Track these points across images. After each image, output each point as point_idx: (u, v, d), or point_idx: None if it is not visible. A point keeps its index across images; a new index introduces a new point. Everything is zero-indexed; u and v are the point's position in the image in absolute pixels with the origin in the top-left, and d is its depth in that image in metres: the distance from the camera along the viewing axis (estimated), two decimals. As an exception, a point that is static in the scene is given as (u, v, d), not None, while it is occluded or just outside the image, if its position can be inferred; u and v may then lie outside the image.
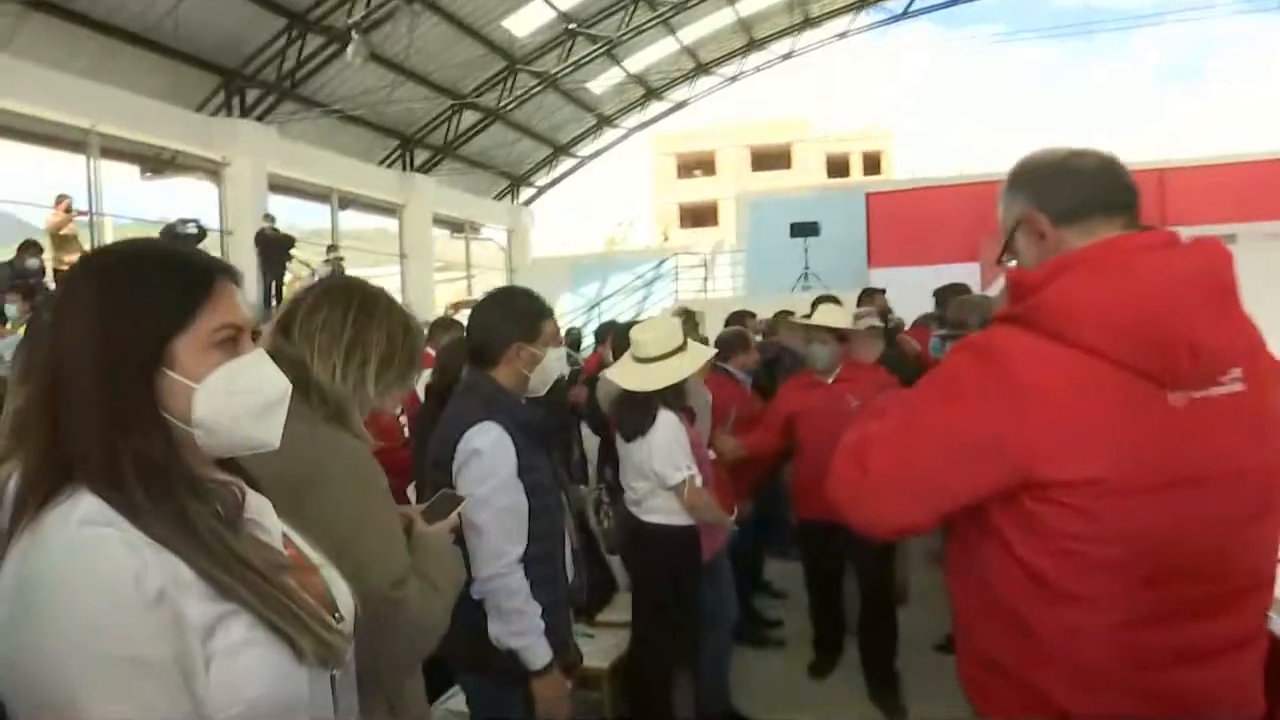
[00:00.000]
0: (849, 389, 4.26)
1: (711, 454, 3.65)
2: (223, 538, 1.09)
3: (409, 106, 18.38)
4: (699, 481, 3.54)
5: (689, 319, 5.56)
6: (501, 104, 20.28)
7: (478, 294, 23.14)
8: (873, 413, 1.63)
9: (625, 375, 3.57)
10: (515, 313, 2.53)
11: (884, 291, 7.81)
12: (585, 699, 3.69)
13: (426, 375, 4.83)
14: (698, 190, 40.09)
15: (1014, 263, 1.66)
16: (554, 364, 2.59)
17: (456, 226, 23.80)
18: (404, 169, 20.48)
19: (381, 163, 20.18)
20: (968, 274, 10.87)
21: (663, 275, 21.15)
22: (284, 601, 1.11)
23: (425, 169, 21.04)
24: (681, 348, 3.53)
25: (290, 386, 1.22)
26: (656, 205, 40.86)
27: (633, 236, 40.73)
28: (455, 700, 3.06)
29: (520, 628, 2.36)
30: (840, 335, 4.41)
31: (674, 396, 3.54)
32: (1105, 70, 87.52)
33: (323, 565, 1.27)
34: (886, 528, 1.58)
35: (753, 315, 6.57)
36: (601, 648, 3.83)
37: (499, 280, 25.46)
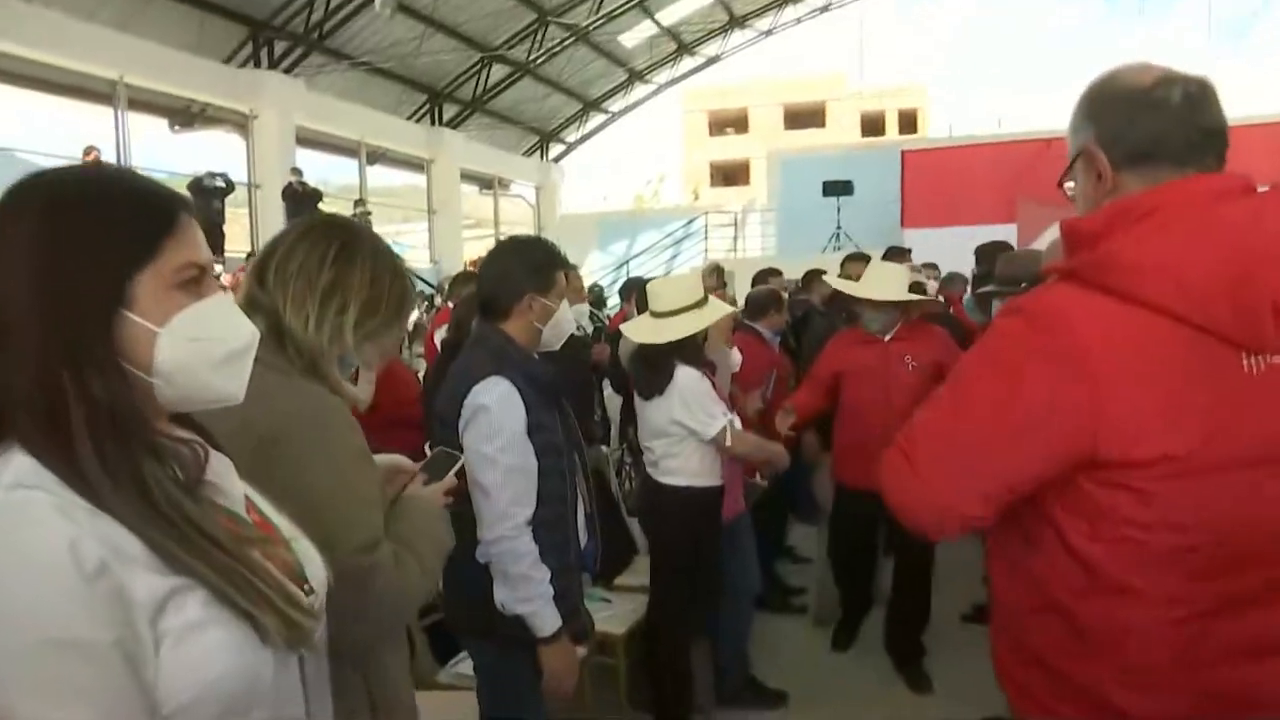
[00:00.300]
0: (907, 348, 4.07)
1: (736, 420, 3.52)
2: (181, 505, 0.96)
3: (438, 59, 18.13)
4: (738, 425, 3.43)
5: (719, 275, 5.36)
6: (531, 57, 19.95)
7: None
8: (929, 397, 1.48)
9: (639, 330, 3.45)
10: (528, 262, 2.39)
11: (909, 252, 7.52)
12: (601, 664, 3.60)
13: (444, 331, 4.75)
14: (729, 148, 39.54)
15: (1070, 185, 1.49)
16: (569, 318, 2.46)
17: (485, 183, 23.60)
18: (432, 123, 20.26)
19: (410, 117, 19.98)
20: (1005, 235, 10.58)
21: (692, 234, 20.91)
22: (246, 576, 0.98)
23: (454, 124, 20.82)
24: (700, 303, 3.38)
25: (257, 334, 1.09)
26: (687, 163, 40.38)
27: (663, 194, 40.41)
28: (464, 665, 2.97)
29: (527, 593, 2.25)
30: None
31: (691, 352, 3.39)
32: (1149, 31, 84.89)
33: (293, 537, 1.14)
34: (933, 519, 1.39)
35: (779, 274, 6.34)
36: (619, 613, 3.72)
37: (527, 237, 25.31)
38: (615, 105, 25.14)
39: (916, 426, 1.41)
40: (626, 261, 20.81)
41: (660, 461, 3.49)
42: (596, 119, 25.38)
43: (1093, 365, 1.26)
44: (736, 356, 4.25)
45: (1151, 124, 1.35)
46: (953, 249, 8.10)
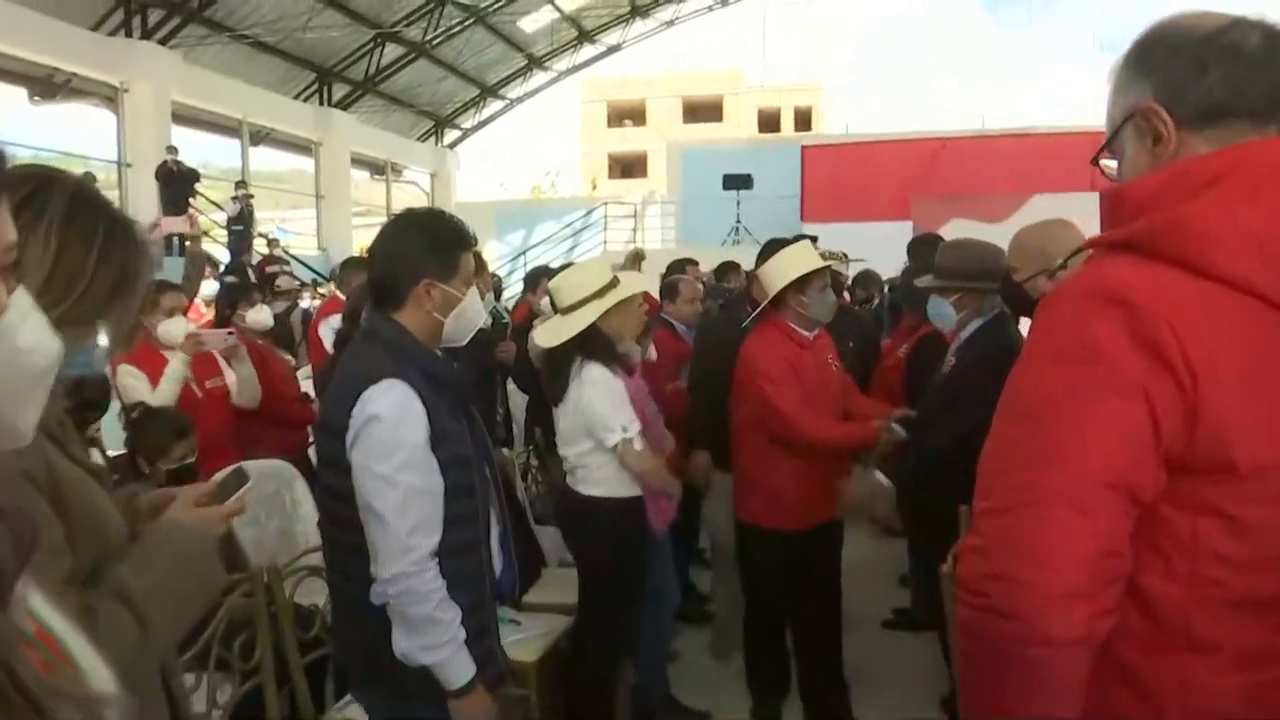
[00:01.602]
0: (826, 346, 3.66)
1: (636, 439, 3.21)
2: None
3: (328, 36, 17.28)
4: (637, 445, 3.07)
5: (637, 262, 4.95)
6: (427, 38, 19.27)
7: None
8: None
9: (545, 334, 3.16)
10: (427, 241, 2.01)
11: (816, 239, 7.21)
12: (510, 696, 3.22)
13: (336, 321, 4.28)
14: (628, 140, 39.30)
15: (1112, 165, 1.23)
16: (477, 308, 2.09)
17: (377, 168, 22.77)
18: (321, 104, 19.38)
19: (297, 96, 19.06)
20: (900, 232, 10.64)
21: (592, 224, 20.58)
22: None
23: (344, 105, 19.96)
24: (605, 289, 3.05)
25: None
26: (586, 154, 39.98)
27: (560, 185, 39.91)
28: (354, 709, 2.56)
29: (434, 640, 1.88)
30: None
31: (598, 347, 3.05)
32: (1040, 38, 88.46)
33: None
34: (1059, 612, 1.02)
35: (695, 263, 6.01)
36: (529, 637, 3.30)
37: (421, 225, 24.57)
38: (514, 92, 24.61)
39: (992, 491, 1.10)
40: (524, 252, 20.36)
41: (575, 470, 3.16)
42: (494, 105, 24.80)
43: (1181, 349, 1.01)
44: (651, 354, 3.93)
45: (1227, 73, 1.09)
46: (850, 244, 8.05)
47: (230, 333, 4.00)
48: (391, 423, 1.84)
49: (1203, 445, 1.01)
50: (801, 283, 3.40)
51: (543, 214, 22.06)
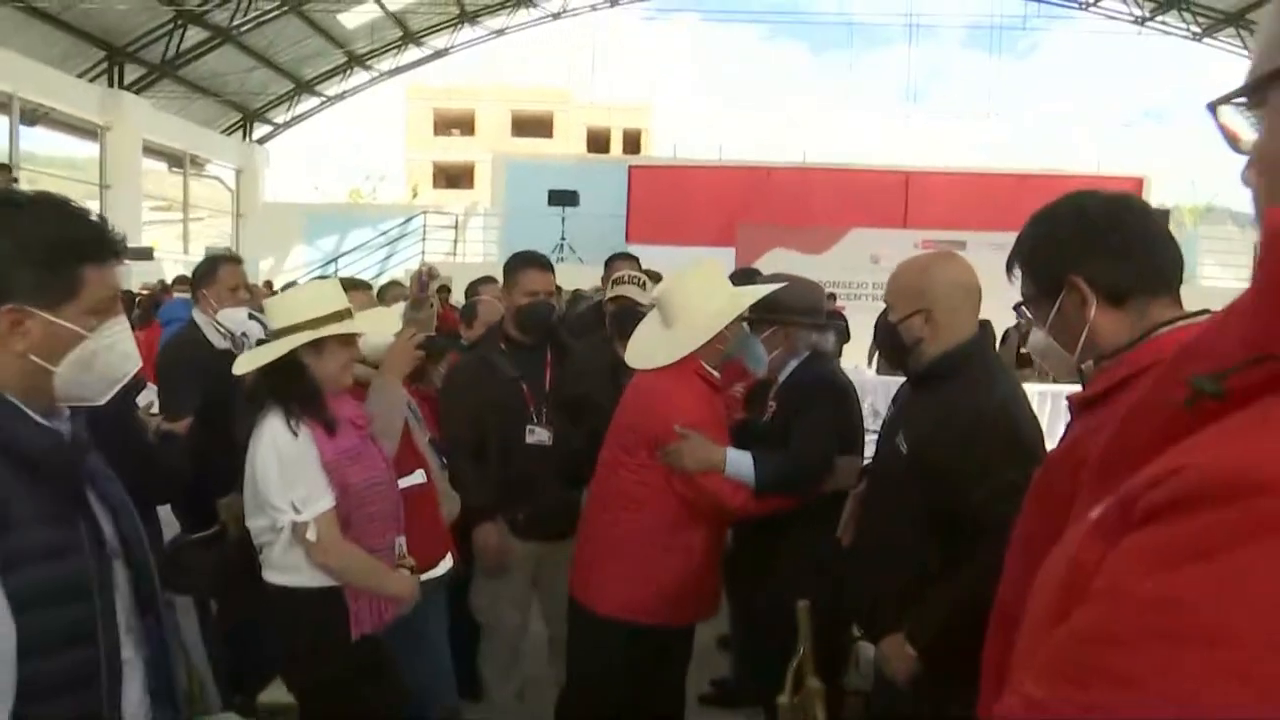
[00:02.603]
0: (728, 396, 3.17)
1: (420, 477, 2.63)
2: None
3: (119, 11, 15.73)
4: (312, 531, 2.29)
5: (419, 282, 4.05)
6: (235, 23, 17.87)
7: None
8: None
9: (243, 359, 2.52)
10: (14, 246, 1.34)
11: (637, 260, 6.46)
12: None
13: None
14: (455, 150, 38.29)
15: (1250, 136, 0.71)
16: (121, 351, 1.46)
17: (175, 159, 20.97)
18: (110, 85, 17.61)
19: (82, 75, 17.25)
20: (724, 256, 10.60)
21: (410, 233, 19.67)
22: None
23: (137, 88, 18.23)
24: (317, 321, 2.37)
25: None
26: (409, 161, 38.64)
27: (381, 192, 38.42)
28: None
29: None
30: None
31: (287, 390, 2.37)
32: (858, 79, 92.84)
33: None
34: None
35: (494, 281, 5.28)
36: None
37: (223, 224, 22.90)
38: (331, 89, 23.34)
39: None
40: (336, 259, 19.23)
41: (262, 549, 2.44)
42: (310, 102, 23.43)
43: None
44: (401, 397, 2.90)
45: None
46: (673, 268, 7.80)
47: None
48: None
49: None
50: None
51: (359, 220, 20.96)
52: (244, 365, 2.44)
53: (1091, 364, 1.49)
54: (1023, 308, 1.58)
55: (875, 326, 2.64)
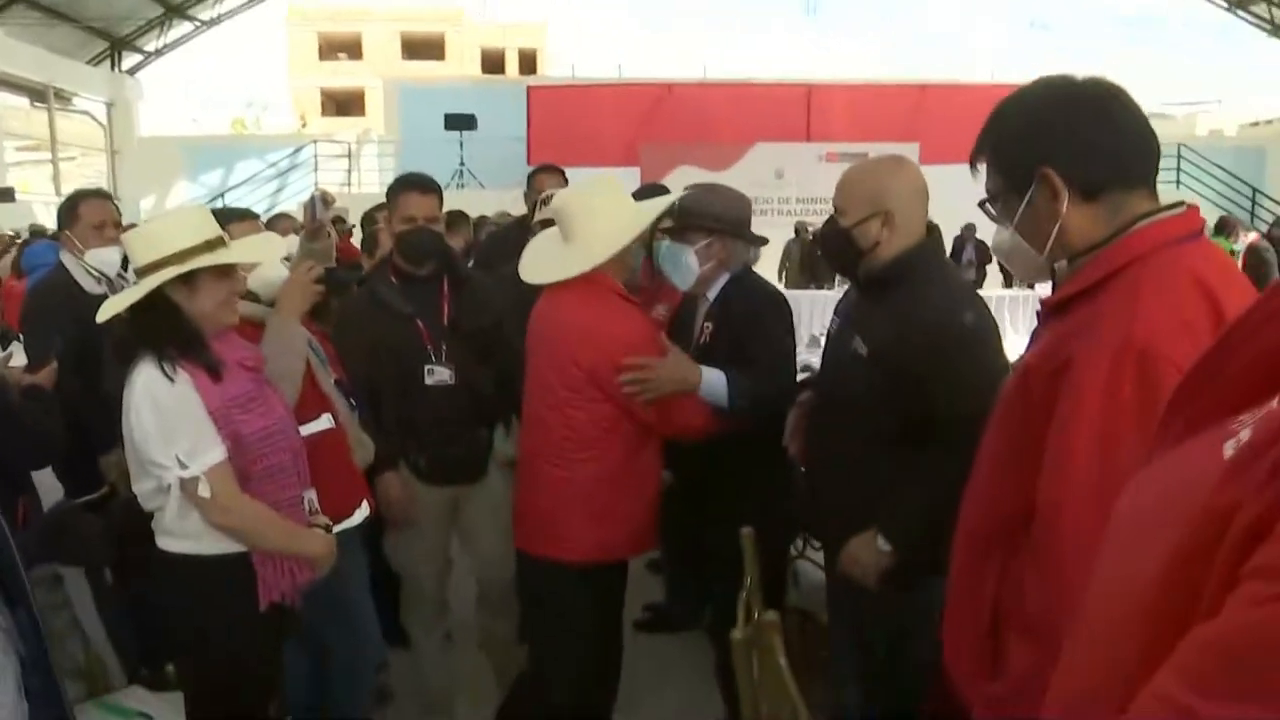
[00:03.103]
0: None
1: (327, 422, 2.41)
2: None
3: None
4: (204, 488, 2.05)
5: (312, 210, 3.68)
6: (90, -58, 16.56)
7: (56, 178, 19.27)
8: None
9: (110, 303, 2.21)
10: None
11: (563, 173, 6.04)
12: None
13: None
14: (343, 75, 36.59)
15: None
16: None
17: (36, 93, 19.49)
18: (-46, 13, 16.21)
19: (-81, 1, 15.81)
20: (628, 177, 10.39)
21: (300, 164, 18.78)
22: None
23: (-14, 15, 16.82)
24: (182, 255, 2.10)
25: None
26: (294, 89, 36.80)
27: (265, 122, 36.66)
28: None
29: None
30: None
31: (162, 333, 2.10)
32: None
33: None
34: None
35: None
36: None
37: (97, 163, 21.55)
38: (205, 13, 21.91)
39: None
40: (222, 194, 18.27)
41: (153, 515, 2.18)
42: (183, 28, 21.98)
43: None
44: (301, 337, 2.66)
45: None
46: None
47: None
48: None
49: None
50: None
51: (244, 151, 19.89)
52: (108, 311, 2.15)
53: (1065, 264, 1.38)
54: (986, 205, 1.45)
55: (820, 235, 2.55)
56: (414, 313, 3.04)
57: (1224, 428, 0.58)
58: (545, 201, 3.49)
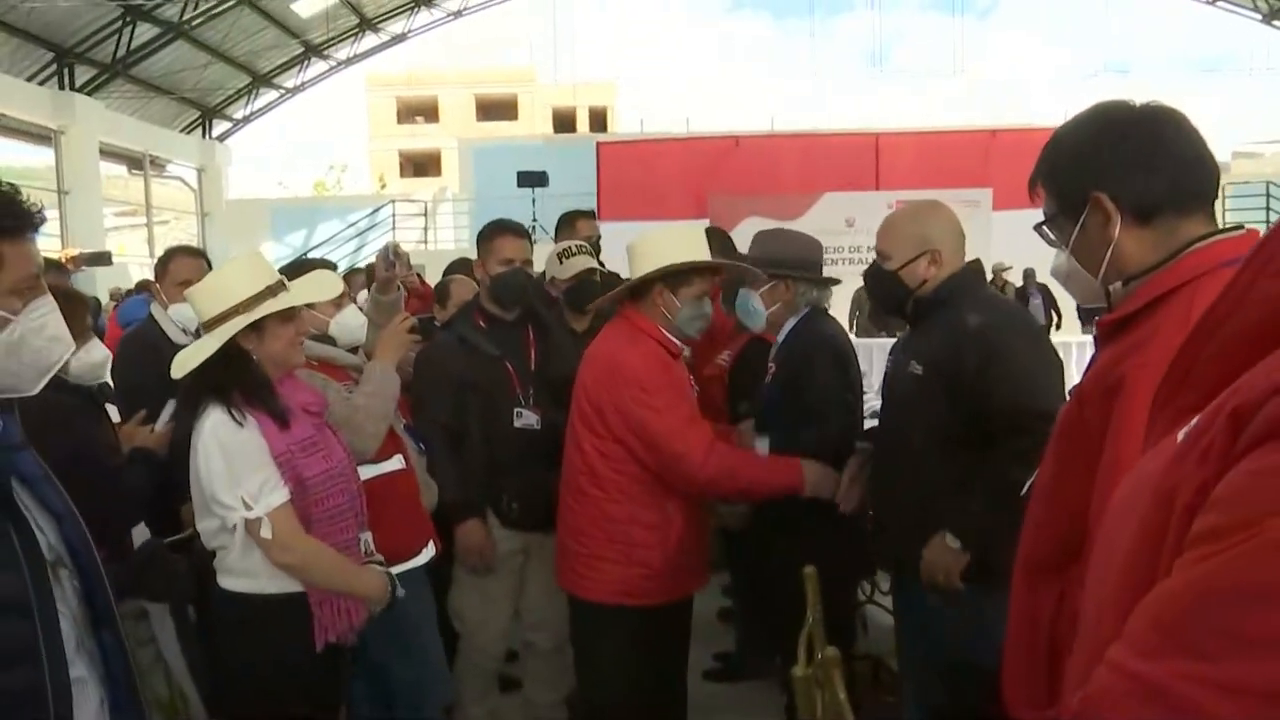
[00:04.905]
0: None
1: (399, 463, 2.47)
2: None
3: (61, 6, 15.26)
4: (267, 528, 2.10)
5: (386, 262, 3.72)
6: (186, 18, 17.48)
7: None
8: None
9: (181, 358, 2.24)
10: None
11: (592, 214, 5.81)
12: None
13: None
14: (420, 137, 37.82)
15: None
16: (51, 334, 1.32)
17: (134, 161, 20.55)
18: (61, 88, 17.18)
19: (31, 78, 16.82)
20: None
21: (379, 223, 19.41)
22: None
23: (90, 90, 17.81)
24: (247, 303, 2.15)
25: None
26: (373, 151, 38.13)
27: (346, 183, 37.97)
28: None
29: None
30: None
31: (230, 381, 2.16)
32: (818, 49, 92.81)
33: None
34: None
35: (468, 263, 5.14)
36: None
37: (189, 225, 22.52)
38: (289, 81, 22.90)
39: None
40: (305, 253, 18.92)
41: (216, 554, 2.25)
42: (268, 95, 22.99)
43: None
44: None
45: None
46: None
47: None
48: None
49: None
50: (677, 279, 2.62)
51: (326, 212, 20.64)
52: (182, 366, 2.19)
53: (1120, 286, 1.37)
54: (1044, 228, 1.46)
55: (865, 277, 2.58)
56: (503, 355, 3.09)
57: (1189, 422, 0.63)
58: (565, 255, 3.53)
